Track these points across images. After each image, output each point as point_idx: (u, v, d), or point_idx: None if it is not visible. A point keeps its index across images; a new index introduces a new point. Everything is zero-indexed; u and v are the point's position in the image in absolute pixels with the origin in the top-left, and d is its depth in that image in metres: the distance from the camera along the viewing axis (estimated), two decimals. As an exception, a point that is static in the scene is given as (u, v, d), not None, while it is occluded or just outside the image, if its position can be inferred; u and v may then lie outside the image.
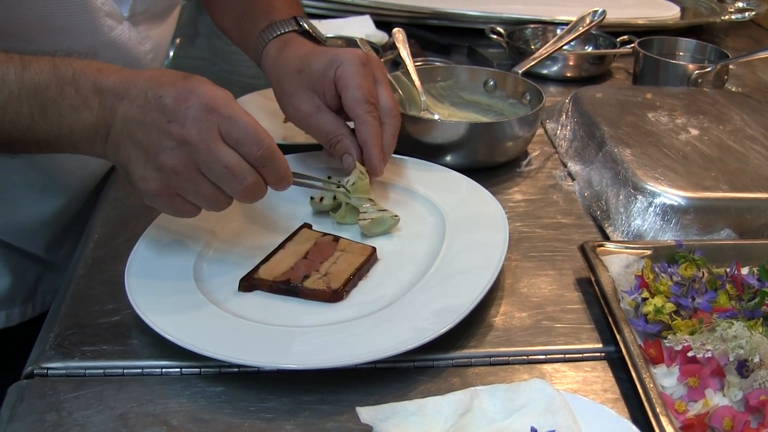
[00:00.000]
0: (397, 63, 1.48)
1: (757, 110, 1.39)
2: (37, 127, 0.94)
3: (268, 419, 0.80)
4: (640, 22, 1.97)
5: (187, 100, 0.89)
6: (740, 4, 2.11)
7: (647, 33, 1.85)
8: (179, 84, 0.91)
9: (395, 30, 1.48)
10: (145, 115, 0.90)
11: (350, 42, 1.67)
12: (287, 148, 1.25)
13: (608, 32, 1.81)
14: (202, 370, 0.86)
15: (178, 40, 1.83)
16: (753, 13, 2.03)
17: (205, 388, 0.84)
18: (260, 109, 1.43)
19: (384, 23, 1.92)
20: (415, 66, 1.42)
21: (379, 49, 1.57)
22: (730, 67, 1.66)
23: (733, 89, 1.70)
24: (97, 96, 0.93)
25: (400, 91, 1.38)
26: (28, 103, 0.93)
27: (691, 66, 1.60)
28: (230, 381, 0.85)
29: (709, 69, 1.58)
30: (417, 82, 1.39)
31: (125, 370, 0.87)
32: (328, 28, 1.81)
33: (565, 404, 0.77)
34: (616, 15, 1.91)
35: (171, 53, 1.76)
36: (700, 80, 1.58)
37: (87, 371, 0.87)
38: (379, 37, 1.80)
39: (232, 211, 1.04)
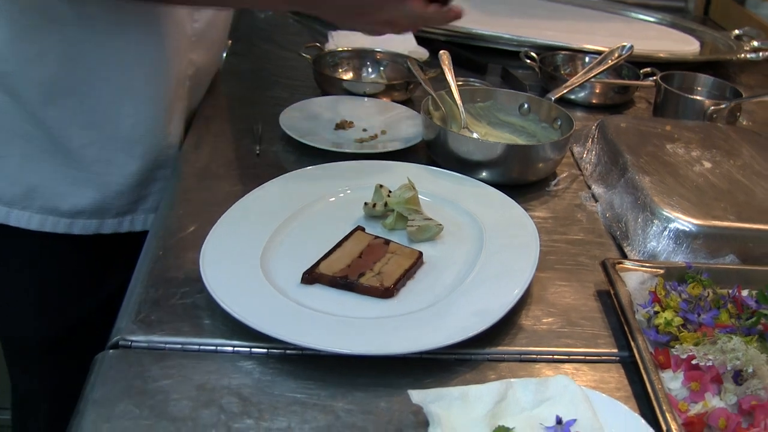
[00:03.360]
0: (439, 80, 1.60)
1: (765, 147, 1.51)
2: None
3: (327, 396, 0.91)
4: (662, 55, 2.07)
5: None
6: (755, 44, 2.21)
7: (668, 65, 1.97)
8: None
9: (441, 52, 1.59)
10: None
11: (396, 56, 1.80)
12: (338, 156, 1.39)
13: (632, 62, 1.90)
14: (269, 350, 0.97)
15: (229, 42, 1.94)
16: (767, 53, 2.14)
17: (271, 367, 0.95)
18: (312, 118, 1.55)
19: (424, 39, 2.02)
20: (458, 86, 1.55)
21: (423, 66, 1.69)
22: (743, 104, 1.79)
23: (745, 124, 1.81)
24: None
25: (443, 108, 1.50)
26: None
27: (707, 102, 1.72)
28: (294, 361, 0.96)
29: (723, 106, 1.69)
30: (459, 102, 1.52)
31: (200, 347, 0.97)
32: (373, 42, 1.89)
33: (585, 398, 0.89)
34: (640, 47, 2.00)
35: (224, 54, 1.87)
36: (715, 115, 1.69)
37: (167, 345, 0.98)
38: (421, 53, 1.92)
39: (294, 211, 1.17)
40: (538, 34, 2.11)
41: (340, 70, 1.80)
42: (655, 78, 1.80)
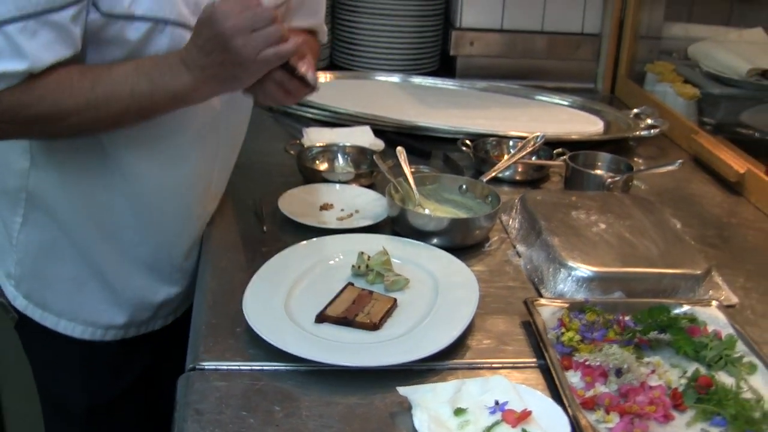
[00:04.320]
0: (396, 166, 2.01)
1: (651, 210, 1.93)
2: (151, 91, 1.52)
3: (340, 396, 1.33)
4: (572, 137, 2.48)
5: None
6: (649, 121, 2.60)
7: (577, 145, 2.36)
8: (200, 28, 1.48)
9: (399, 149, 2.01)
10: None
11: (360, 149, 2.23)
12: (325, 231, 1.83)
13: (548, 143, 2.29)
14: (297, 367, 1.39)
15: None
16: (658, 130, 2.53)
17: (299, 379, 1.37)
18: (301, 202, 1.97)
19: (379, 131, 2.44)
20: (411, 173, 1.98)
21: (383, 156, 2.10)
22: (637, 175, 2.22)
23: (644, 188, 2.24)
24: (182, 64, 1.50)
25: (401, 191, 1.93)
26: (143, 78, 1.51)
27: (605, 175, 2.15)
28: (315, 374, 1.38)
29: (618, 178, 2.12)
30: (413, 186, 1.94)
31: (253, 367, 1.40)
32: (337, 135, 2.35)
33: (514, 389, 1.32)
34: (553, 130, 2.47)
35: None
36: (612, 186, 2.10)
37: (231, 368, 1.40)
38: (378, 144, 2.33)
39: (303, 272, 1.62)
40: (471, 123, 2.53)
41: (317, 162, 2.20)
42: (564, 158, 2.22)
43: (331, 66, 3.34)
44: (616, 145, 2.52)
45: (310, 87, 1.61)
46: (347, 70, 3.27)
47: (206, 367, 1.41)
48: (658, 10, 3.19)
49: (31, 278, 1.85)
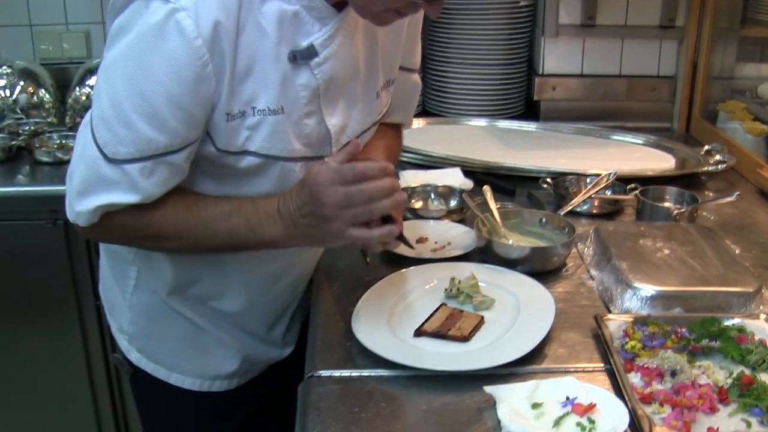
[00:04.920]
0: (482, 204, 2.25)
1: (712, 237, 2.12)
2: (246, 235, 1.69)
3: (437, 395, 1.58)
4: (646, 173, 2.69)
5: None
6: (719, 157, 2.78)
7: (649, 180, 2.58)
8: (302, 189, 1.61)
9: (485, 187, 2.26)
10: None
11: (451, 188, 2.49)
12: (422, 261, 2.08)
13: (622, 179, 2.51)
14: (400, 374, 1.64)
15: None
16: (725, 165, 2.73)
17: (402, 383, 1.62)
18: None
19: (468, 172, 2.68)
20: (497, 209, 2.23)
21: (471, 195, 2.33)
22: (705, 206, 2.44)
23: (713, 219, 2.44)
24: (278, 215, 1.64)
25: (488, 224, 2.17)
26: (242, 222, 1.67)
27: (672, 207, 2.38)
28: (418, 378, 1.62)
29: (683, 210, 2.33)
30: (498, 220, 2.18)
31: (362, 374, 1.65)
32: (430, 177, 2.61)
33: (583, 387, 1.56)
34: (627, 167, 2.70)
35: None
36: (678, 217, 2.31)
37: (344, 375, 1.65)
38: (468, 184, 2.57)
39: (403, 294, 1.88)
40: (552, 163, 2.76)
41: (413, 201, 2.46)
42: (635, 192, 2.43)
43: (424, 112, 3.59)
44: (688, 180, 2.74)
45: (408, 246, 1.80)
46: (438, 116, 3.54)
47: (322, 374, 1.66)
48: (730, 52, 3.34)
49: (143, 336, 2.02)
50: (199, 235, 1.69)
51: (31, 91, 3.47)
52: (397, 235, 1.68)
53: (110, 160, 1.57)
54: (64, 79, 3.61)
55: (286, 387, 2.25)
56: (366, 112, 1.84)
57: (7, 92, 3.46)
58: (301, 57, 1.62)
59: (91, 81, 3.44)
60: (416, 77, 2.09)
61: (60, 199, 2.64)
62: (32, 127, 3.37)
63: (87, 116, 1.63)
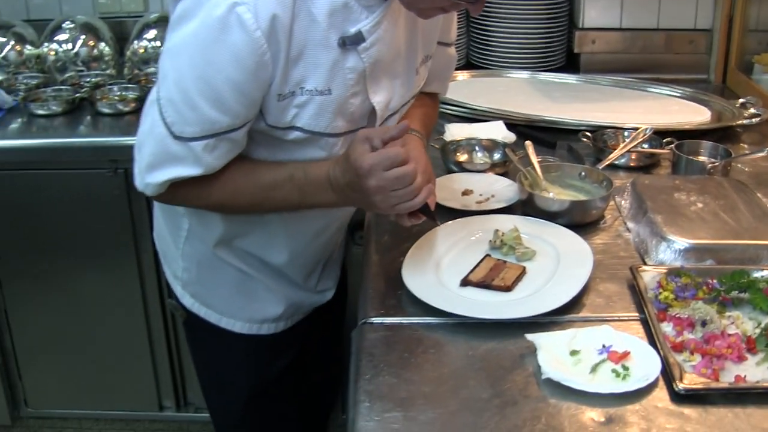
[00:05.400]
0: (526, 157, 2.35)
1: (744, 191, 2.21)
2: (299, 201, 1.83)
3: (482, 342, 1.69)
4: (684, 127, 2.77)
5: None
6: (753, 110, 2.86)
7: (685, 134, 2.64)
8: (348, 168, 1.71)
9: (527, 143, 2.35)
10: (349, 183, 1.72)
11: (494, 142, 2.59)
12: (467, 213, 2.17)
13: (658, 132, 2.60)
14: (449, 321, 1.75)
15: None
16: (759, 119, 2.81)
17: (450, 329, 1.74)
18: (445, 188, 2.30)
19: (511, 125, 2.78)
20: (538, 162, 2.33)
21: (514, 149, 2.44)
22: (739, 160, 2.52)
23: (748, 170, 2.51)
24: (328, 184, 1.77)
25: (529, 178, 2.27)
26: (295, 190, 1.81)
27: (706, 161, 2.46)
28: (464, 326, 1.72)
29: (717, 163, 2.41)
30: (540, 174, 2.28)
31: (411, 321, 1.77)
32: (474, 130, 2.71)
33: (618, 336, 1.66)
34: (664, 120, 2.80)
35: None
36: (712, 171, 2.39)
37: (394, 322, 1.76)
38: (511, 137, 2.67)
39: (451, 245, 1.98)
40: (592, 116, 2.84)
41: (458, 154, 2.56)
42: (671, 146, 2.52)
43: (468, 65, 3.69)
44: (723, 133, 2.81)
45: (433, 219, 1.89)
46: (482, 68, 3.63)
47: (374, 321, 1.77)
48: (766, 5, 3.40)
49: (195, 283, 2.16)
50: (255, 201, 1.84)
51: (92, 44, 3.58)
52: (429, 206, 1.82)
53: (177, 138, 1.70)
54: (122, 32, 3.74)
55: (329, 331, 2.48)
56: (406, 87, 1.95)
57: (69, 45, 3.58)
58: (350, 42, 1.73)
59: (149, 34, 3.58)
60: (452, 50, 2.20)
61: (120, 149, 2.90)
62: (93, 80, 3.52)
63: (153, 94, 1.76)
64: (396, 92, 1.91)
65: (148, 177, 1.79)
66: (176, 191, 1.81)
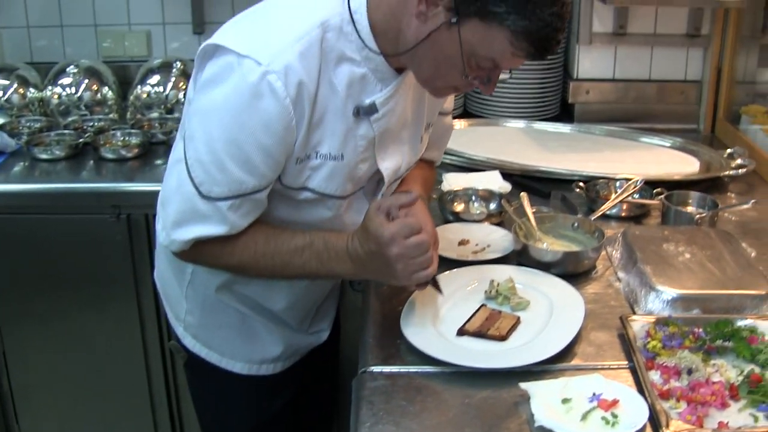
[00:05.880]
0: (521, 208, 2.42)
1: (730, 241, 2.27)
2: (317, 269, 1.88)
3: (477, 391, 1.75)
4: (674, 178, 2.83)
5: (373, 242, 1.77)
6: (740, 161, 2.93)
7: (675, 184, 2.72)
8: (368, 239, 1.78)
9: (522, 194, 2.43)
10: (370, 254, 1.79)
11: (490, 192, 2.66)
12: (464, 263, 2.23)
13: (649, 182, 2.67)
14: (442, 370, 1.81)
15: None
16: (745, 170, 2.87)
17: (445, 379, 1.79)
18: (444, 239, 2.30)
19: (506, 174, 2.85)
20: (533, 213, 2.39)
21: (510, 200, 2.51)
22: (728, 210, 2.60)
23: (734, 219, 2.60)
24: (347, 255, 1.83)
25: (524, 228, 2.34)
26: (314, 258, 1.87)
27: (694, 212, 2.53)
28: (459, 374, 1.78)
29: (704, 214, 2.49)
30: (534, 225, 2.35)
31: (409, 370, 1.83)
32: (471, 179, 2.78)
33: (608, 384, 1.73)
34: (654, 171, 2.87)
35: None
36: (699, 221, 2.46)
37: (393, 371, 1.81)
38: (506, 187, 2.74)
39: (446, 297, 2.02)
40: (585, 167, 2.91)
41: (455, 204, 2.64)
42: (661, 197, 2.59)
43: (465, 113, 3.78)
44: (712, 183, 2.89)
45: (440, 290, 1.96)
46: (479, 117, 3.72)
47: (374, 370, 1.83)
48: (752, 58, 3.49)
49: (198, 325, 2.21)
50: (276, 266, 1.90)
51: (95, 88, 3.63)
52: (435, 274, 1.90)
53: (205, 197, 1.78)
54: (126, 76, 3.80)
55: (323, 371, 2.53)
56: (412, 154, 2.05)
57: (73, 89, 3.64)
58: (364, 113, 1.83)
59: (152, 80, 3.64)
60: (449, 119, 2.32)
61: (123, 195, 2.96)
62: (97, 124, 3.56)
63: (178, 152, 1.85)
64: (404, 159, 2.01)
65: (174, 234, 1.85)
66: (200, 250, 1.87)
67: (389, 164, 1.95)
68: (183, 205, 1.81)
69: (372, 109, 1.84)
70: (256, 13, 1.82)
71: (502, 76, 1.82)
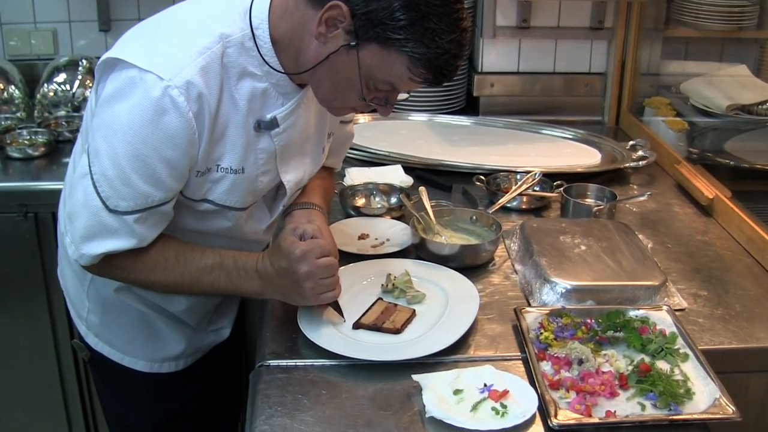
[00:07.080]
0: (421, 202, 2.44)
1: (627, 232, 2.33)
2: (226, 286, 1.92)
3: (371, 383, 1.77)
4: (575, 170, 2.90)
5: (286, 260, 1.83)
6: (641, 153, 2.99)
7: (575, 176, 2.78)
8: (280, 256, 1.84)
9: (421, 188, 2.45)
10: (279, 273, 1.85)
11: (391, 186, 2.67)
12: (363, 257, 2.25)
13: (549, 175, 2.72)
14: (341, 363, 1.83)
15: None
16: (646, 161, 2.93)
17: (344, 371, 1.81)
18: (342, 233, 2.39)
19: (408, 168, 2.88)
20: (431, 207, 2.43)
21: (409, 192, 2.54)
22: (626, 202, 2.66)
23: (635, 210, 2.66)
24: (256, 273, 1.88)
25: (422, 222, 2.37)
26: (223, 276, 1.90)
27: (592, 204, 2.59)
28: (354, 367, 1.82)
29: (602, 206, 2.54)
30: (432, 218, 2.38)
31: (305, 363, 1.84)
32: (373, 174, 2.79)
33: (499, 375, 1.76)
34: (556, 163, 2.92)
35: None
36: (597, 213, 2.51)
37: (289, 364, 1.84)
38: (408, 181, 2.77)
39: (343, 291, 1.99)
40: (487, 160, 2.96)
41: (356, 199, 2.65)
42: (560, 190, 2.64)
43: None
44: (614, 175, 2.94)
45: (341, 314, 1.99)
46: (384, 110, 3.73)
47: (271, 364, 1.86)
48: (656, 50, 3.58)
49: (100, 324, 2.21)
50: (185, 283, 1.93)
51: (2, 87, 3.57)
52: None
53: (112, 211, 1.78)
54: (33, 75, 3.75)
55: (228, 370, 2.55)
56: (314, 164, 2.11)
57: (-23, 88, 3.59)
58: (265, 127, 1.88)
59: (59, 78, 3.59)
60: (351, 127, 2.35)
61: (30, 193, 2.93)
62: (3, 123, 3.50)
63: (83, 167, 1.82)
64: (306, 170, 2.05)
65: (83, 248, 1.84)
66: (110, 264, 1.88)
67: (292, 177, 2.00)
68: (90, 220, 1.81)
69: (273, 123, 1.88)
70: (158, 25, 1.84)
71: (400, 97, 1.82)
